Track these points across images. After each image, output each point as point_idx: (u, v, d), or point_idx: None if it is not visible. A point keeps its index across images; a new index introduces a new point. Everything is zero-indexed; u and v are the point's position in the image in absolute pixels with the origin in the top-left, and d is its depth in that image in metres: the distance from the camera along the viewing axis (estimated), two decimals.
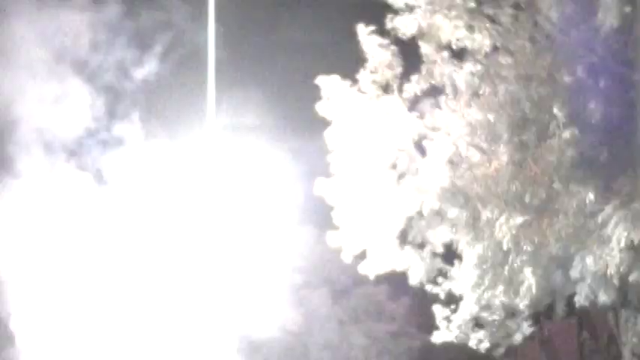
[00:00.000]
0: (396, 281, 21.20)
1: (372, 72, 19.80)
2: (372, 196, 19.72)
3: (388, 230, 19.85)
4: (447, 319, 20.73)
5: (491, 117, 18.99)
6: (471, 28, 19.02)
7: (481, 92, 19.10)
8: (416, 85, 19.59)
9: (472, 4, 18.87)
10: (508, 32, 18.79)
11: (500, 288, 18.99)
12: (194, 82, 24.75)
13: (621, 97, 18.90)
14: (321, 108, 19.74)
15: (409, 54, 19.66)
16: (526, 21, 18.63)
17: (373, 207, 19.72)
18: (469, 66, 19.30)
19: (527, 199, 18.47)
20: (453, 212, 19.23)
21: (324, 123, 19.79)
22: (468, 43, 19.12)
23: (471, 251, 19.11)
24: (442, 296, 20.64)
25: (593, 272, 18.58)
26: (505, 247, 18.43)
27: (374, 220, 19.82)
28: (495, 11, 18.96)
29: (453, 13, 18.96)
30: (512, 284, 18.70)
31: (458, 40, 19.12)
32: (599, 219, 18.07)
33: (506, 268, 18.63)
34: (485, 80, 19.04)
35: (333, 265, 31.19)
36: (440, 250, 20.17)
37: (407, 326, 30.62)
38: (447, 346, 21.20)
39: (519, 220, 18.25)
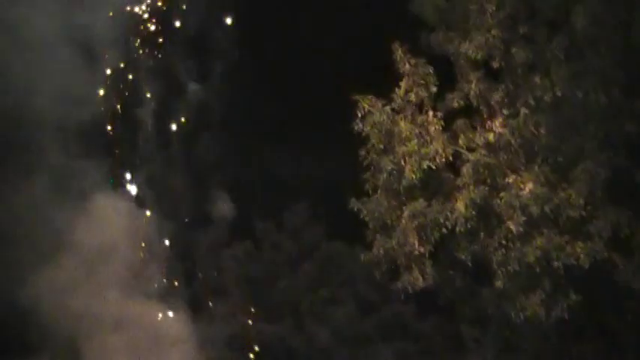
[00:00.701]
0: (426, 299, 21.13)
1: (407, 91, 19.87)
2: (404, 214, 19.70)
3: (420, 248, 19.82)
4: (477, 340, 20.66)
5: (526, 137, 19.04)
6: (506, 47, 19.09)
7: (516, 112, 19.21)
8: (450, 103, 19.68)
9: (507, 22, 18.96)
10: (543, 51, 18.82)
11: (532, 310, 18.96)
12: None
13: None
14: (356, 125, 19.81)
15: (444, 72, 19.67)
16: (561, 40, 18.63)
17: (406, 224, 19.69)
18: (504, 85, 19.41)
19: (561, 221, 18.48)
20: (485, 232, 19.26)
21: (360, 140, 19.85)
22: (503, 62, 19.22)
23: (502, 271, 19.10)
24: (472, 316, 20.60)
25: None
26: (538, 269, 18.38)
27: (406, 238, 19.80)
28: (530, 30, 19.02)
29: (489, 31, 19.10)
30: (544, 306, 18.62)
31: (493, 58, 19.20)
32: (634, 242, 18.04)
33: (539, 290, 18.59)
34: (520, 100, 19.09)
35: (362, 280, 31.29)
36: (471, 268, 20.16)
37: (435, 345, 30.54)
38: None
39: (553, 241, 18.22)
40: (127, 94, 25.95)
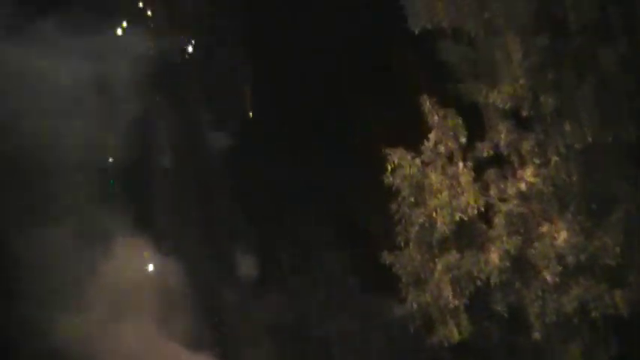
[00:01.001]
0: (462, 350, 20.89)
1: (436, 142, 19.76)
2: (437, 267, 19.52)
3: (454, 301, 19.62)
4: None
5: (558, 185, 18.86)
6: (534, 95, 18.97)
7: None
8: (480, 153, 19.54)
9: (534, 70, 18.86)
10: (572, 97, 18.68)
11: None
12: None
13: None
14: (386, 178, 19.70)
15: (473, 121, 19.56)
16: (590, 84, 18.48)
17: (439, 278, 19.51)
18: (534, 134, 19.27)
19: (597, 269, 18.25)
20: (520, 283, 19.05)
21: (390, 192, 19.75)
22: (532, 111, 19.09)
23: (539, 323, 18.86)
24: None
25: None
26: (576, 320, 18.14)
27: (440, 291, 19.62)
28: (558, 76, 18.89)
29: (516, 80, 19.00)
30: (584, 357, 18.35)
31: (522, 107, 19.08)
32: None
33: (578, 341, 18.34)
34: (551, 148, 18.93)
35: (396, 331, 31.01)
36: (507, 320, 19.92)
37: None
38: None
39: (590, 291, 17.99)
40: (147, 141, 26.03)
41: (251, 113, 26.86)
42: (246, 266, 28.19)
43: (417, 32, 19.57)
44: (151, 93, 25.53)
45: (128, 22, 25.68)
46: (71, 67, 24.04)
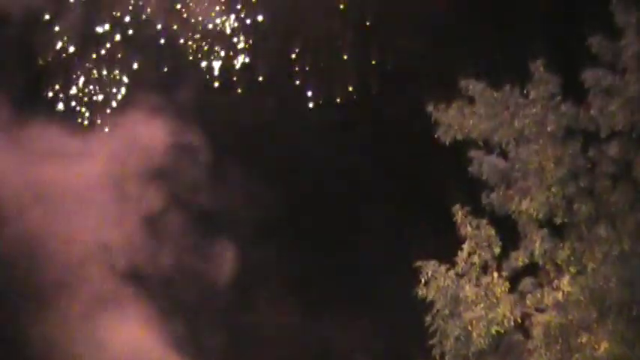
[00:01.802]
0: None
1: (469, 253, 19.49)
2: None
3: None
4: None
5: (596, 293, 18.40)
6: (567, 203, 18.74)
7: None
8: (515, 263, 19.19)
9: (567, 178, 18.67)
10: (606, 204, 18.42)
11: None
12: None
13: None
14: (420, 291, 19.35)
15: (507, 230, 19.31)
16: (624, 191, 18.25)
17: None
18: (569, 242, 18.91)
19: None
20: None
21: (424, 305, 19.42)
22: (566, 219, 18.82)
23: None
24: None
25: None
26: None
27: None
28: (591, 183, 18.68)
29: (549, 189, 18.82)
30: None
31: (555, 215, 18.82)
32: None
33: None
34: (586, 255, 18.57)
35: None
36: None
37: None
38: None
39: None
40: (164, 241, 26.06)
41: None
42: None
43: (447, 143, 19.74)
44: None
45: None
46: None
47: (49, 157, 24.51)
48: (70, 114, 25.40)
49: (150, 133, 24.94)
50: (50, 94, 25.26)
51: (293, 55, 25.04)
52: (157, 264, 25.51)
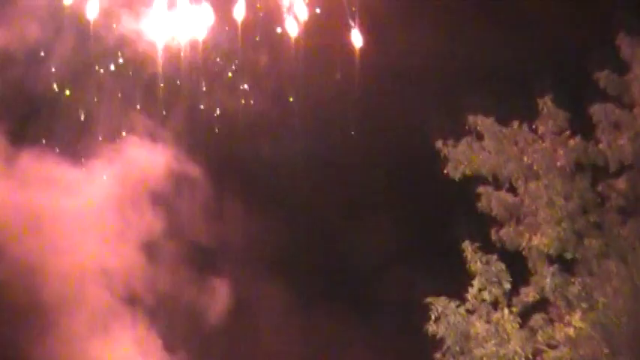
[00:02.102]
0: None
1: (480, 289, 19.39)
2: None
3: None
4: None
5: (607, 328, 18.31)
6: (578, 238, 18.67)
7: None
8: (525, 298, 19.09)
9: (577, 213, 18.63)
10: (617, 239, 18.36)
11: None
12: None
13: None
14: (430, 327, 19.25)
15: (517, 266, 19.22)
16: (634, 226, 18.17)
17: None
18: (580, 278, 18.82)
19: None
20: None
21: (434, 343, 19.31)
22: (577, 254, 18.75)
23: None
24: None
25: None
26: None
27: None
28: (601, 218, 18.63)
29: (559, 224, 18.76)
30: None
31: (566, 250, 18.74)
32: None
33: None
34: (597, 290, 18.47)
35: None
36: None
37: None
38: None
39: None
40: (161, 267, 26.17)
41: None
42: None
43: (457, 179, 19.71)
44: None
45: None
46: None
47: (47, 185, 24.79)
48: (68, 143, 25.52)
49: (148, 163, 25.13)
50: (48, 123, 25.38)
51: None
52: (154, 289, 25.62)
